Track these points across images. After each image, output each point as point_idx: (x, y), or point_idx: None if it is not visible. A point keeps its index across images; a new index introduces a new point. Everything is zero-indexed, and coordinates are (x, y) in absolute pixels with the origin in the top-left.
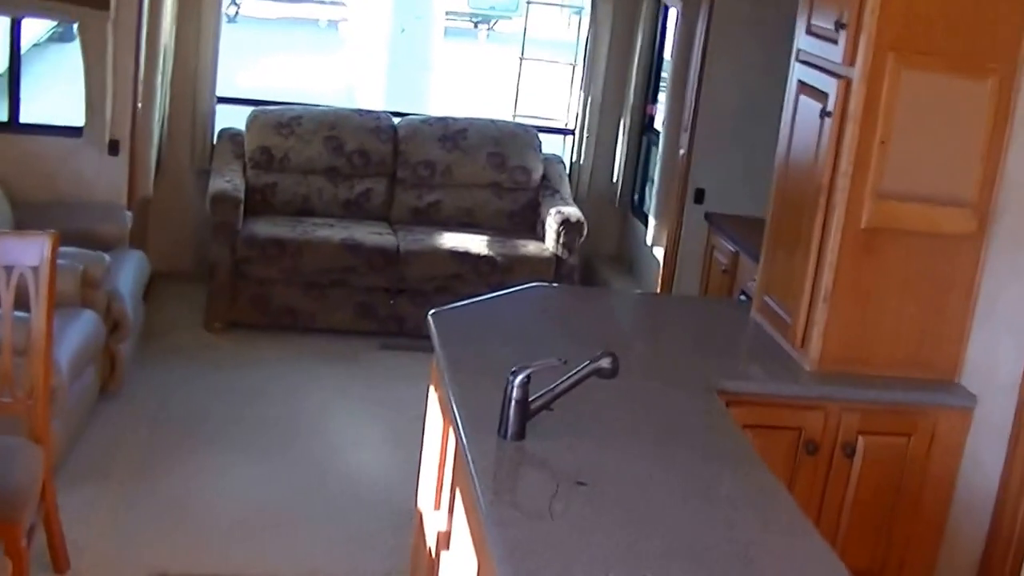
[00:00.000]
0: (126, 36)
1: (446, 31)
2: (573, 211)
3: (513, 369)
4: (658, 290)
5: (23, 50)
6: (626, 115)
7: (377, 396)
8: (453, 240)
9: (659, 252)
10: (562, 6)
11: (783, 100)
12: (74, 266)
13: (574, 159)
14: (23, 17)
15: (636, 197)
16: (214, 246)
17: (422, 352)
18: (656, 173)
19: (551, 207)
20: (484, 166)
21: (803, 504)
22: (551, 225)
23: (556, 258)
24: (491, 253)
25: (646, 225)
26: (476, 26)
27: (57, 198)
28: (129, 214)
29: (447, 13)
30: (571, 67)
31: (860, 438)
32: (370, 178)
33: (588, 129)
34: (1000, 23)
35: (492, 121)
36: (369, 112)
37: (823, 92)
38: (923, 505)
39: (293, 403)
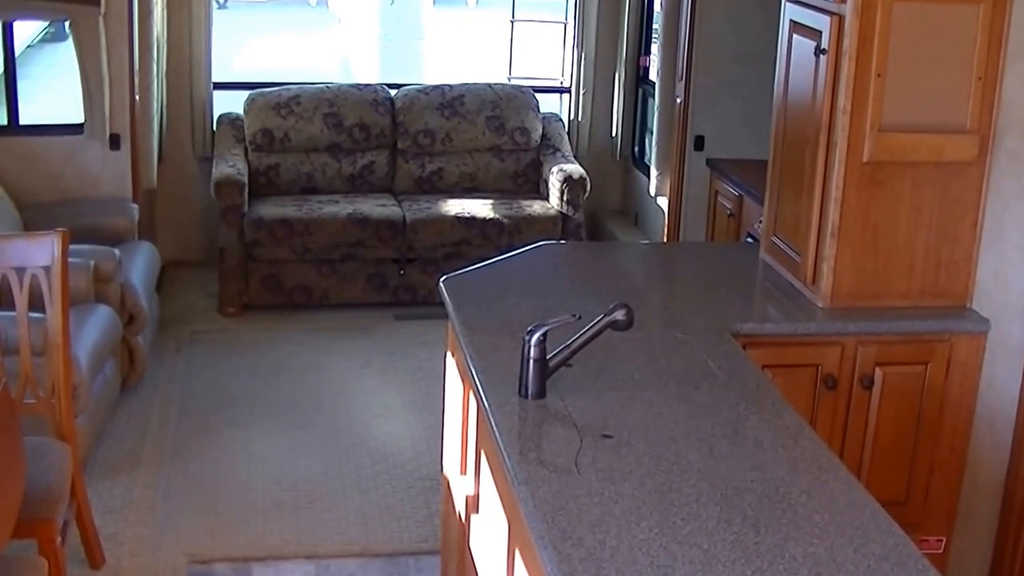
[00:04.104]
0: (118, 30)
1: (435, 0)
2: (575, 168)
3: (529, 328)
4: (665, 239)
5: (17, 52)
6: (620, 68)
7: (396, 365)
8: (458, 206)
9: (663, 202)
10: None
11: (776, 41)
12: (85, 262)
13: (572, 116)
14: (14, 19)
15: (636, 149)
16: (222, 231)
17: (436, 319)
18: (654, 124)
19: (553, 165)
20: (483, 130)
21: (826, 439)
22: (554, 183)
23: (562, 216)
24: (497, 216)
25: (648, 176)
26: None
27: (63, 196)
28: (136, 206)
29: None
30: (562, 25)
31: (878, 370)
32: (371, 151)
33: (584, 85)
34: None
35: (488, 85)
36: (366, 86)
37: (816, 30)
38: (944, 431)
39: (314, 379)
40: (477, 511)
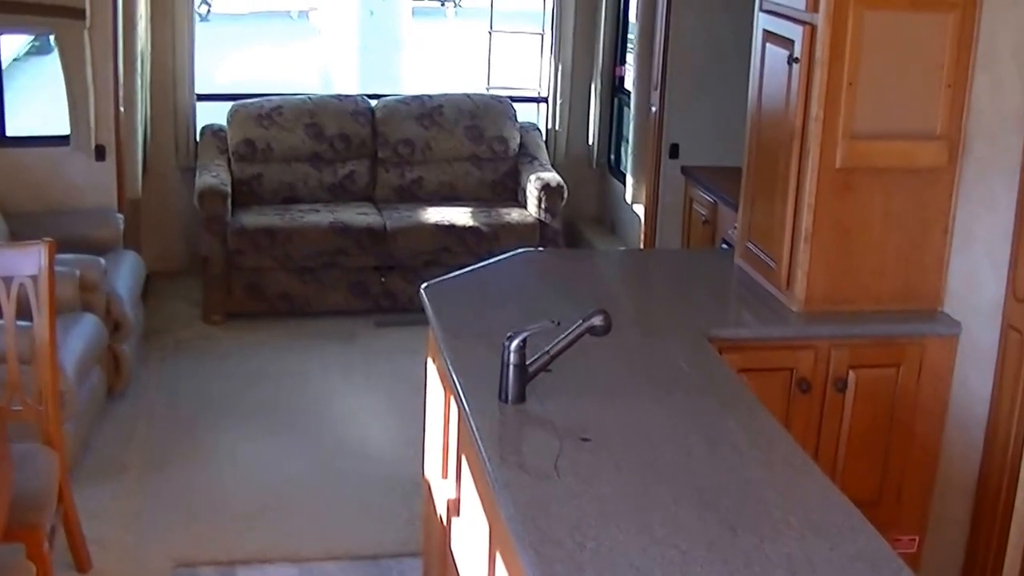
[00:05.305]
0: (103, 43)
1: (414, 11)
2: (552, 176)
3: (508, 334)
4: (641, 246)
5: (3, 66)
6: (596, 78)
7: (377, 372)
8: (438, 214)
9: (639, 209)
10: None
11: (750, 50)
12: (71, 272)
13: (549, 125)
14: (0, 34)
15: (612, 157)
16: (206, 240)
17: (416, 326)
18: (630, 132)
19: (531, 174)
20: (462, 140)
21: (800, 441)
22: (532, 191)
23: (539, 223)
24: (476, 224)
25: (624, 184)
26: (443, 4)
27: (49, 207)
28: (120, 216)
29: None
30: (539, 36)
31: (851, 373)
32: (352, 161)
33: (561, 95)
34: None
35: (467, 95)
36: (346, 96)
37: (789, 39)
38: (917, 432)
39: (297, 386)
40: (458, 514)
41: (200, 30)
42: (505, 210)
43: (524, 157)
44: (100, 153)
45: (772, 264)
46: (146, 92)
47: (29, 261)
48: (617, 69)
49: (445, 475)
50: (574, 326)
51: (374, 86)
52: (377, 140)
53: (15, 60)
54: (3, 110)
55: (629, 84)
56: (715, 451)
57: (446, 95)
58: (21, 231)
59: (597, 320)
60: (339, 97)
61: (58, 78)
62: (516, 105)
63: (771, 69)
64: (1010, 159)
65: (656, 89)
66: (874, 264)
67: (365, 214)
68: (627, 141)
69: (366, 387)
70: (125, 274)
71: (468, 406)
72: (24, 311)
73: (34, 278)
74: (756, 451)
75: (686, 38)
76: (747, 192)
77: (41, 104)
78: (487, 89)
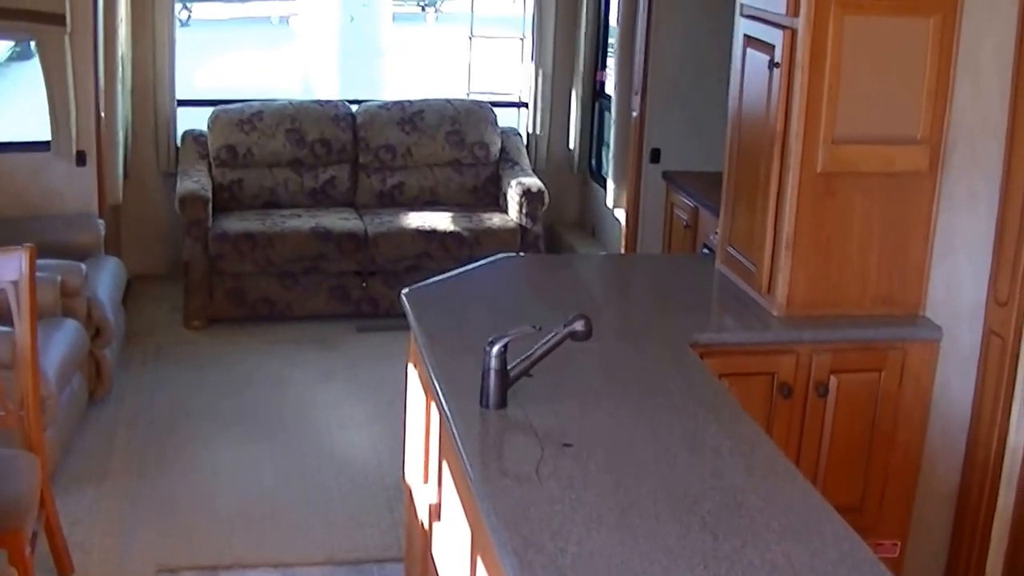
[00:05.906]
0: (84, 49)
1: (394, 16)
2: (533, 181)
3: (489, 339)
4: (622, 251)
5: None
6: (577, 83)
7: (358, 377)
8: (419, 219)
9: (620, 214)
10: None
11: (730, 55)
12: (52, 277)
13: (530, 130)
14: None
15: (593, 162)
16: (187, 246)
17: (398, 331)
18: (611, 137)
19: (512, 179)
20: (443, 145)
21: (782, 446)
22: (513, 196)
23: (521, 228)
24: (457, 229)
25: (605, 189)
26: (423, 9)
27: (30, 212)
28: (101, 222)
29: None
30: (520, 41)
31: (832, 377)
32: (333, 166)
33: (542, 100)
34: None
35: (448, 100)
36: (327, 102)
37: (770, 44)
38: (899, 437)
39: (278, 391)
40: (439, 519)
41: (181, 36)
42: (486, 215)
43: (505, 162)
44: (81, 158)
45: (753, 269)
46: (127, 98)
47: (10, 266)
48: (598, 74)
49: (426, 480)
50: (555, 331)
51: (355, 91)
52: (358, 145)
53: None
54: None
55: (610, 89)
56: (697, 456)
57: (427, 100)
58: (1, 236)
59: (578, 325)
60: (320, 102)
61: (39, 84)
62: (497, 110)
63: (752, 74)
64: (991, 163)
65: (637, 94)
66: (855, 269)
67: (346, 219)
68: (608, 146)
69: (347, 392)
70: (106, 279)
71: (449, 411)
72: (5, 317)
73: (15, 283)
74: (738, 456)
75: (667, 43)
76: (728, 197)
77: (22, 110)
78: (468, 94)
